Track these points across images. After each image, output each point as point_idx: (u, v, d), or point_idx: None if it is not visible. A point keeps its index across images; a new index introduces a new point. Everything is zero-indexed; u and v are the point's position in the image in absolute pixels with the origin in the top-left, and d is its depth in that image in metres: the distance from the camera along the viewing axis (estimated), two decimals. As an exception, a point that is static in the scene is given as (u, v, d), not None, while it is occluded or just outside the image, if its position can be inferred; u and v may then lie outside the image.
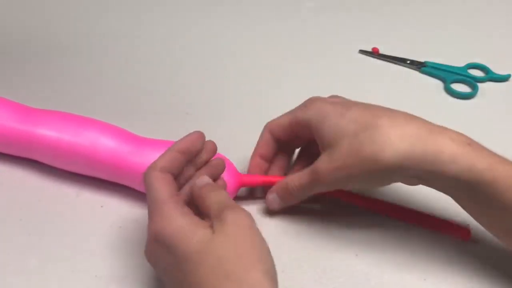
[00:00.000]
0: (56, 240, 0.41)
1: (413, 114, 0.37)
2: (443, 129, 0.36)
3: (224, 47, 0.63)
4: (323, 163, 0.37)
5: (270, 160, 0.43)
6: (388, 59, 0.62)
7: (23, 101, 0.47)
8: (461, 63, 0.61)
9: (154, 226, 0.33)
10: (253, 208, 0.43)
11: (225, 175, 0.40)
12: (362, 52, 0.63)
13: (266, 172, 0.43)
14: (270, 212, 0.43)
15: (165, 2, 0.71)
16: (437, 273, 0.39)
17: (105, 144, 0.42)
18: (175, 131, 0.51)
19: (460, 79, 0.59)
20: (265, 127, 0.42)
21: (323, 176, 0.37)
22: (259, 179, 0.43)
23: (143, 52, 0.62)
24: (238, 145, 0.45)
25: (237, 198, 0.44)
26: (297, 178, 0.40)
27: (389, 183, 0.38)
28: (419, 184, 0.37)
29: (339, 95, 0.42)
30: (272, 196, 0.41)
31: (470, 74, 0.60)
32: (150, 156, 0.39)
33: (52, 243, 0.41)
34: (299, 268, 0.39)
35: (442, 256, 0.40)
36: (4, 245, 0.40)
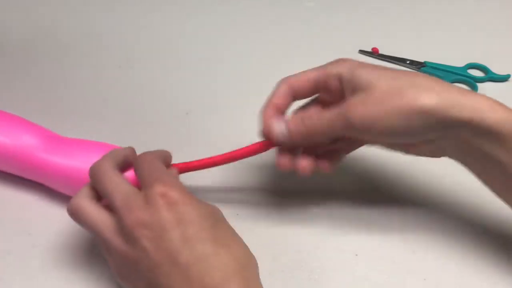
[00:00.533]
0: (57, 240, 0.41)
1: None
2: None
3: (224, 47, 0.64)
4: (356, 105, 0.35)
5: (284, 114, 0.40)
6: (388, 59, 0.62)
7: (23, 103, 0.47)
8: (460, 63, 0.61)
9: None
10: (253, 208, 0.43)
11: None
12: (362, 52, 0.63)
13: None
14: (270, 212, 0.43)
15: (165, 1, 0.72)
16: (437, 273, 0.39)
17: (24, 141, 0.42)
18: (175, 131, 0.51)
19: (459, 79, 0.59)
20: (282, 81, 0.40)
21: (355, 118, 0.34)
22: (195, 163, 0.40)
23: (143, 52, 0.62)
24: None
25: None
26: (317, 116, 0.37)
27: (422, 137, 0.35)
28: (443, 149, 0.36)
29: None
30: (279, 126, 0.38)
31: (469, 74, 0.60)
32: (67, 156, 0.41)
33: (53, 243, 0.41)
34: (299, 268, 0.39)
35: (442, 256, 0.40)
36: (5, 245, 0.40)
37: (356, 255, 0.40)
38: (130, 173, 0.38)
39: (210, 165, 0.40)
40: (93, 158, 0.38)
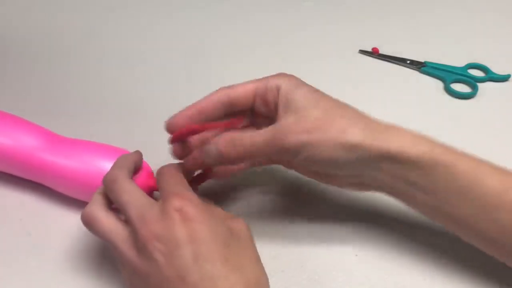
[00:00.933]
0: (57, 240, 0.41)
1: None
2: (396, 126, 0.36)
3: (224, 47, 0.63)
4: (290, 124, 0.35)
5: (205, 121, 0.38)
6: (388, 59, 0.62)
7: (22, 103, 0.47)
8: (461, 63, 0.61)
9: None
10: (253, 208, 0.43)
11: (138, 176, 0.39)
12: (362, 52, 0.63)
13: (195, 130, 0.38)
14: (267, 210, 0.43)
15: (164, 2, 0.72)
16: (437, 273, 0.39)
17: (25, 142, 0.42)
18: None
19: (460, 79, 0.59)
20: (218, 89, 0.38)
21: (289, 136, 0.34)
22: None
23: (143, 52, 0.62)
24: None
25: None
26: (249, 134, 0.36)
27: (347, 170, 0.36)
28: (367, 184, 0.38)
29: (339, 95, 0.42)
30: (209, 148, 0.36)
31: (470, 74, 0.60)
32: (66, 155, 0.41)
33: (53, 243, 0.41)
34: (298, 268, 0.39)
35: (443, 256, 0.40)
36: (5, 245, 0.40)
37: (356, 255, 0.40)
38: (137, 177, 0.38)
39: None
40: (94, 159, 0.38)
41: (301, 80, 0.38)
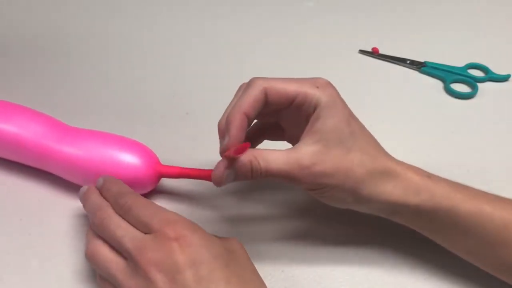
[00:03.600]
0: (57, 240, 0.41)
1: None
2: (406, 165, 0.37)
3: (224, 47, 0.64)
4: (313, 156, 0.34)
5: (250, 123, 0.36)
6: (388, 59, 0.62)
7: (24, 101, 0.47)
8: (461, 63, 0.61)
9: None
10: (252, 208, 0.43)
11: (142, 163, 0.41)
12: (362, 52, 0.63)
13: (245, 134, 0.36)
14: (269, 212, 0.43)
15: (166, 3, 0.72)
16: (438, 273, 0.39)
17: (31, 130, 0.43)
18: (175, 131, 0.51)
19: (460, 79, 0.59)
20: (257, 83, 0.35)
21: (308, 173, 0.34)
22: (182, 170, 0.41)
23: (144, 53, 0.62)
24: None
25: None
26: (266, 160, 0.34)
27: (354, 206, 0.37)
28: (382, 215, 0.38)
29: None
30: (227, 172, 0.34)
31: (470, 74, 0.60)
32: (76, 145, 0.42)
33: (53, 243, 0.41)
34: (298, 268, 0.39)
35: (444, 256, 0.40)
36: (5, 245, 0.40)
37: (356, 254, 0.40)
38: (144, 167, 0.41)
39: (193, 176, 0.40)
40: (101, 146, 0.41)
41: (340, 99, 0.36)
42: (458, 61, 0.61)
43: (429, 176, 0.37)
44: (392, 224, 0.43)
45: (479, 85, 0.58)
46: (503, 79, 0.59)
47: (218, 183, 0.35)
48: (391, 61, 0.62)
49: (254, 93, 0.35)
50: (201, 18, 0.69)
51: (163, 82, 0.58)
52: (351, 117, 0.36)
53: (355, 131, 0.36)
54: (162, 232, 0.32)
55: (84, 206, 0.38)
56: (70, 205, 0.43)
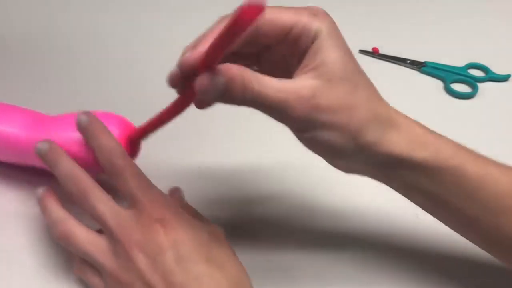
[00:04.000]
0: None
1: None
2: (408, 117, 0.34)
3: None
4: (313, 89, 0.29)
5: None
6: (388, 59, 0.62)
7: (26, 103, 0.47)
8: (461, 63, 0.61)
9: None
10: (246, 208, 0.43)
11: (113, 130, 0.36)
12: (362, 52, 0.63)
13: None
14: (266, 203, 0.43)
15: (166, 1, 0.71)
16: (438, 273, 0.39)
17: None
18: (175, 131, 0.51)
19: (460, 79, 0.59)
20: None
21: (306, 106, 0.29)
22: (152, 121, 0.35)
23: (143, 51, 0.62)
24: (239, 145, 0.45)
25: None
26: (261, 80, 0.29)
27: (354, 158, 0.32)
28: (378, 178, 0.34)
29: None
30: (218, 79, 0.28)
31: (470, 74, 0.60)
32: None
33: (53, 243, 0.41)
34: (298, 268, 0.40)
35: (445, 257, 0.40)
36: (4, 245, 0.40)
37: (356, 254, 0.40)
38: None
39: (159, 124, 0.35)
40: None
41: (339, 30, 0.32)
42: (458, 61, 0.61)
43: (433, 132, 0.33)
44: (393, 224, 0.43)
45: (479, 85, 0.58)
46: (503, 79, 0.59)
47: (202, 96, 0.28)
48: (391, 61, 0.62)
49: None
50: (199, 17, 0.69)
51: (162, 82, 0.58)
52: (351, 53, 0.32)
53: (358, 68, 0.32)
54: (147, 212, 0.32)
55: (56, 171, 0.35)
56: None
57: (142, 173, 0.34)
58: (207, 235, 0.33)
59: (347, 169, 0.34)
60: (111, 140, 0.35)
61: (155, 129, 0.36)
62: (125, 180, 0.33)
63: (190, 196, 0.40)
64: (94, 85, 0.57)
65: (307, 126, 0.30)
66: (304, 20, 0.30)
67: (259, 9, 0.22)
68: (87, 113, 0.36)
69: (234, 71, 0.28)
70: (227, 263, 0.33)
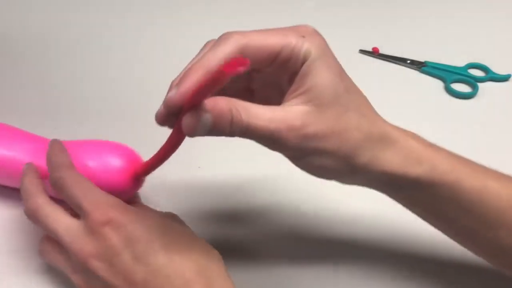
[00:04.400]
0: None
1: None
2: (405, 131, 0.33)
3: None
4: (304, 117, 0.29)
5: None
6: (388, 59, 0.62)
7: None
8: (461, 63, 0.61)
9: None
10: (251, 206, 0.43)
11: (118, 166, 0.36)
12: (362, 52, 0.63)
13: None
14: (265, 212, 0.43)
15: (164, 1, 0.71)
16: (437, 275, 0.39)
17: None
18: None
19: (460, 79, 0.59)
20: (232, 38, 0.29)
21: (297, 134, 0.28)
22: (154, 158, 0.35)
23: (142, 52, 0.62)
24: (238, 146, 0.45)
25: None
26: (250, 112, 0.28)
27: (348, 178, 0.33)
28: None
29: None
30: (205, 118, 0.27)
31: (470, 74, 0.60)
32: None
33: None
34: (298, 268, 0.40)
35: (444, 262, 0.40)
36: (4, 245, 0.40)
37: (356, 253, 0.40)
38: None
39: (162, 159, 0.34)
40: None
41: (329, 50, 0.31)
42: (458, 61, 0.61)
43: (431, 145, 0.33)
44: (394, 223, 0.43)
45: (480, 85, 0.58)
46: (503, 79, 0.59)
47: (189, 135, 0.28)
48: (392, 61, 0.62)
49: (227, 50, 0.28)
50: (199, 17, 0.69)
51: (163, 82, 0.58)
52: (342, 71, 0.31)
53: (350, 88, 0.31)
54: (92, 217, 0.31)
55: (20, 188, 0.35)
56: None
57: (84, 180, 0.34)
58: (161, 222, 0.32)
59: (348, 184, 0.34)
60: (59, 155, 0.36)
61: (158, 165, 0.35)
62: (67, 190, 0.33)
63: (185, 206, 0.40)
64: (92, 85, 0.57)
65: (300, 154, 0.30)
66: (292, 43, 0.29)
67: (243, 64, 0.22)
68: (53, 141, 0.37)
69: (222, 105, 0.27)
70: (188, 246, 0.32)
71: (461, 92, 0.57)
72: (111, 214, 0.31)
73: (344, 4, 0.72)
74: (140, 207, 0.37)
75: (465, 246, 0.35)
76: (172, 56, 0.62)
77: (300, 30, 0.30)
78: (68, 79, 0.58)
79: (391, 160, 0.31)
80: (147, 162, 0.36)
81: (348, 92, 0.30)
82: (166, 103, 0.29)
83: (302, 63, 0.29)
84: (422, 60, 0.61)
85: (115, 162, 0.36)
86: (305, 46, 0.29)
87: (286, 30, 0.30)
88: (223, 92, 0.29)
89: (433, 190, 0.32)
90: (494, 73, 0.59)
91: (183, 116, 0.27)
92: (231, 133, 0.28)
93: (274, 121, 0.28)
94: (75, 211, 0.33)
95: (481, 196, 0.32)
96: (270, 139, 0.29)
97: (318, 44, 0.30)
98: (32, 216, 0.34)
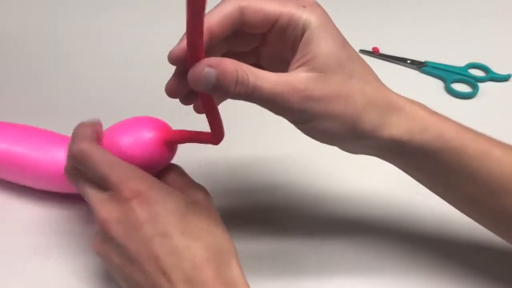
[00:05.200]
0: (56, 239, 0.41)
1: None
2: (410, 99, 0.34)
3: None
4: (307, 82, 0.30)
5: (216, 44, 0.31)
6: (389, 59, 0.62)
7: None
8: (461, 63, 0.61)
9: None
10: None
11: (146, 130, 0.37)
12: (362, 52, 0.63)
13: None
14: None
15: (163, 2, 0.71)
16: (437, 274, 0.39)
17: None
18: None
19: (460, 79, 0.59)
20: (232, 0, 0.30)
21: (301, 97, 0.29)
22: (190, 134, 0.36)
23: (142, 52, 0.62)
24: (239, 145, 0.45)
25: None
26: (256, 75, 0.29)
27: (353, 144, 0.33)
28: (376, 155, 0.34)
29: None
30: (209, 72, 0.28)
31: (470, 74, 0.60)
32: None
33: (53, 243, 0.41)
34: (299, 268, 0.40)
35: (447, 259, 0.40)
36: (4, 245, 0.40)
37: (357, 253, 0.40)
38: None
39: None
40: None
41: (331, 20, 0.32)
42: (458, 61, 0.61)
43: (436, 113, 0.33)
44: (394, 223, 0.43)
45: (480, 85, 0.58)
46: (503, 79, 0.59)
47: (194, 87, 0.29)
48: (392, 60, 0.62)
49: (226, 10, 0.30)
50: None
51: (163, 82, 0.58)
52: (345, 41, 0.32)
53: (353, 56, 0.32)
54: (118, 191, 0.32)
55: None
56: (70, 206, 0.43)
57: (107, 153, 0.33)
58: (185, 205, 0.32)
59: (353, 152, 0.34)
60: (80, 127, 0.35)
61: (191, 135, 0.37)
62: (90, 163, 0.32)
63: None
64: (92, 85, 0.57)
65: (304, 117, 0.31)
66: (290, 11, 0.30)
67: None
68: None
69: (227, 64, 0.29)
70: (205, 233, 0.32)
71: (461, 92, 0.57)
72: (137, 188, 0.32)
73: (344, 4, 0.72)
74: (169, 180, 0.36)
75: (468, 214, 0.36)
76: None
77: (301, 1, 0.31)
78: (68, 79, 0.58)
79: (397, 125, 0.32)
80: (178, 130, 0.37)
81: (352, 60, 0.31)
82: (169, 58, 0.32)
83: (303, 32, 0.30)
84: (422, 60, 0.61)
85: (145, 133, 0.36)
86: (305, 15, 0.30)
87: (287, 0, 0.31)
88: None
89: (438, 156, 0.32)
90: (494, 73, 0.59)
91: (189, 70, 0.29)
92: (236, 94, 0.29)
93: (279, 84, 0.29)
94: (102, 184, 0.32)
95: (484, 162, 0.32)
96: (275, 102, 0.29)
97: (319, 14, 0.31)
98: (83, 159, 0.33)
